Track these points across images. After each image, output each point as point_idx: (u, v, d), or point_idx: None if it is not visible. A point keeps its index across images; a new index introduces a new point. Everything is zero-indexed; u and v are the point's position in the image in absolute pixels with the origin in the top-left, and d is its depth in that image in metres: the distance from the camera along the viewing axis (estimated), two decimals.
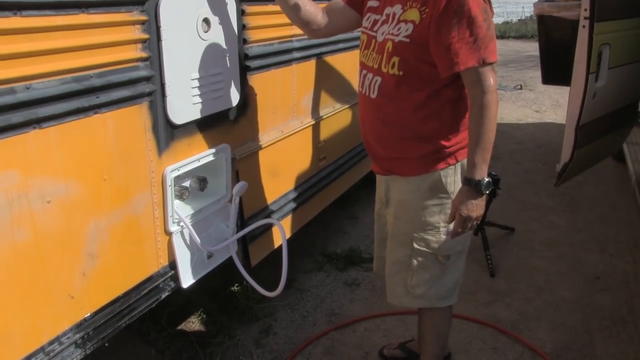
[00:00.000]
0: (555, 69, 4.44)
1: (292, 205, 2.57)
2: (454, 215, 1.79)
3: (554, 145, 5.54)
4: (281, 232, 2.02)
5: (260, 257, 2.36)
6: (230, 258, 2.15)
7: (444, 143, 1.83)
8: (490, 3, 1.73)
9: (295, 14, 1.96)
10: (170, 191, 1.83)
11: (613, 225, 3.82)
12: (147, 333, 2.59)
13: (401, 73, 1.76)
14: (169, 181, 1.81)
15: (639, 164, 3.51)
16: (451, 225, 1.83)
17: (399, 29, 1.75)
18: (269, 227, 2.36)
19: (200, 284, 2.55)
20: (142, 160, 1.72)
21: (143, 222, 1.77)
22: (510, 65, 11.14)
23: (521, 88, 8.71)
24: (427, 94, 1.78)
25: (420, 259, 1.92)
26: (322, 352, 2.54)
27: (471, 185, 1.73)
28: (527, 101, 7.89)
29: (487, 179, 1.73)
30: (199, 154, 1.95)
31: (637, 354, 2.50)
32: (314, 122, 2.69)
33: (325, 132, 2.78)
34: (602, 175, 4.69)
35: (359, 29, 1.96)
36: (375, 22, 1.86)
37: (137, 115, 1.66)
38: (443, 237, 1.90)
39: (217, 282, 2.83)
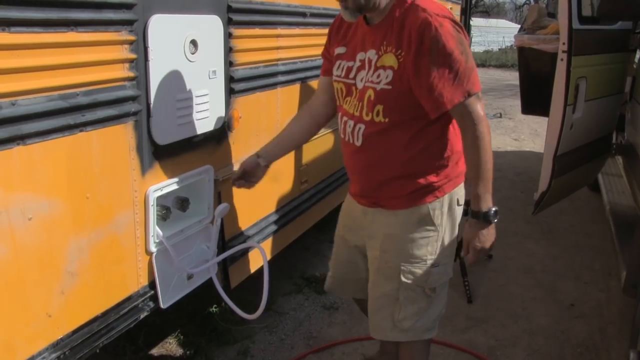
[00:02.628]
0: (534, 100, 4.54)
1: (273, 227, 2.58)
2: (467, 249, 1.79)
3: (532, 173, 5.63)
4: (263, 256, 2.02)
5: (240, 279, 2.36)
6: (210, 279, 2.14)
7: (433, 178, 1.81)
8: (463, 30, 1.69)
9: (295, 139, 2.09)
10: (152, 211, 1.83)
11: (588, 254, 3.88)
12: (122, 353, 2.56)
13: (387, 119, 1.74)
14: (152, 201, 1.81)
15: (613, 194, 3.58)
16: (436, 257, 1.84)
17: (378, 76, 1.72)
18: (249, 249, 2.36)
19: (179, 305, 2.54)
20: (125, 179, 1.72)
21: (124, 242, 1.76)
22: (490, 93, 11.33)
23: (501, 116, 8.86)
24: (415, 134, 1.76)
25: (407, 292, 1.87)
26: None
27: (479, 218, 1.74)
28: (506, 129, 8.03)
29: (494, 209, 1.73)
30: (182, 175, 1.95)
31: None
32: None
33: (308, 156, 2.81)
34: (578, 204, 4.77)
35: (334, 79, 1.89)
36: (349, 69, 1.82)
37: (122, 135, 1.67)
38: (430, 269, 1.86)
39: (196, 303, 2.80)
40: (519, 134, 7.77)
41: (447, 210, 1.85)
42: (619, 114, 3.67)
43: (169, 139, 1.85)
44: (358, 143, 1.80)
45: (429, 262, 1.85)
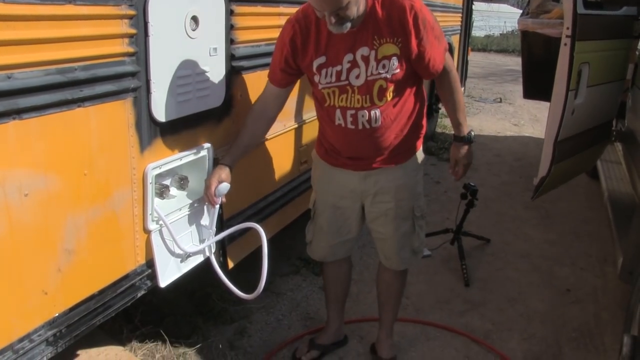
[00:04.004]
0: (536, 85, 4.51)
1: (273, 207, 2.56)
2: (454, 166, 2.26)
3: (531, 158, 5.62)
4: (262, 236, 2.00)
5: (238, 259, 2.35)
6: (208, 259, 2.13)
7: (422, 129, 2.22)
8: None
9: (258, 140, 2.25)
10: (150, 189, 1.81)
11: (585, 240, 3.89)
12: (119, 331, 2.56)
13: (395, 94, 2.01)
14: (150, 179, 1.80)
15: (612, 181, 3.57)
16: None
17: (384, 66, 1.94)
18: (248, 229, 2.34)
19: (176, 284, 2.53)
20: (124, 156, 1.70)
21: (122, 219, 1.74)
22: (491, 78, 11.30)
23: (501, 101, 8.83)
24: (414, 98, 2.10)
25: (419, 222, 2.28)
26: None
27: (464, 140, 2.21)
28: (506, 114, 8.00)
29: (472, 132, 2.23)
30: (181, 153, 1.93)
31: None
32: (296, 125, 2.69)
33: (308, 136, 2.78)
34: (576, 191, 4.77)
35: (322, 87, 2.01)
36: (339, 72, 1.97)
37: (121, 111, 1.64)
38: (424, 199, 2.32)
39: (194, 283, 2.80)
40: (518, 119, 7.74)
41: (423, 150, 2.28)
42: (620, 101, 3.64)
43: (169, 116, 1.82)
44: (376, 124, 2.03)
45: (422, 192, 2.31)
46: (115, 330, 2.57)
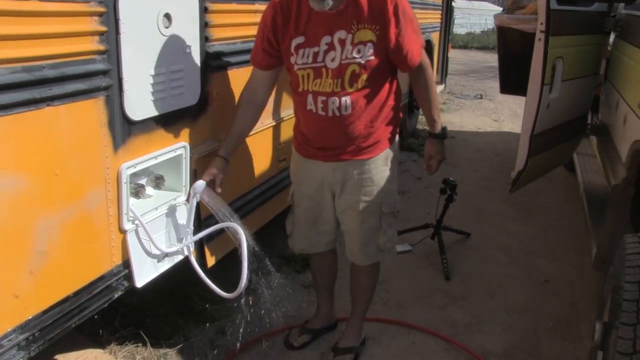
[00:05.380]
0: (512, 79, 4.55)
1: (251, 205, 2.56)
2: (429, 161, 2.31)
3: (510, 153, 5.64)
4: (241, 235, 2.00)
5: (218, 257, 2.35)
6: (186, 258, 2.12)
7: (398, 119, 2.23)
8: None
9: (250, 128, 2.26)
10: (125, 188, 1.80)
11: (563, 232, 3.94)
12: (98, 334, 2.54)
13: (370, 85, 2.03)
14: (125, 178, 1.78)
15: (587, 173, 3.62)
16: (397, 185, 2.32)
17: (359, 51, 1.97)
18: (227, 227, 2.33)
19: (156, 285, 2.52)
20: (97, 156, 1.68)
21: (96, 220, 1.73)
22: (472, 75, 11.39)
23: (481, 97, 8.90)
24: (388, 90, 2.11)
25: (387, 219, 2.26)
26: (278, 353, 2.53)
27: (438, 137, 2.26)
28: (486, 110, 8.06)
29: (446, 128, 2.29)
30: (156, 152, 1.92)
31: (579, 352, 2.60)
32: (274, 123, 2.69)
33: (286, 134, 2.78)
34: (554, 184, 4.83)
35: (297, 67, 2.04)
36: (316, 54, 1.99)
37: (93, 110, 1.63)
38: (397, 196, 2.31)
39: (173, 283, 2.78)
40: (498, 115, 7.81)
41: (398, 146, 2.30)
42: (594, 95, 3.69)
43: (143, 115, 1.81)
44: (347, 112, 2.04)
45: (395, 190, 2.30)
46: (95, 333, 2.54)
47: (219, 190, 2.09)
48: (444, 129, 2.27)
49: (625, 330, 1.68)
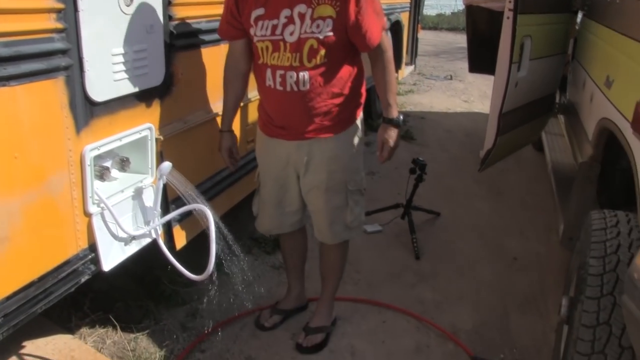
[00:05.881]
0: (481, 58, 4.58)
1: (219, 187, 2.54)
2: (381, 148, 2.21)
3: (480, 134, 5.66)
4: (208, 217, 1.97)
5: (186, 240, 2.32)
6: (154, 240, 2.10)
7: (359, 100, 2.22)
8: None
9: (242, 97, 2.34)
10: (89, 171, 1.76)
11: (531, 210, 4.01)
12: (68, 320, 2.50)
13: (328, 62, 2.01)
14: (88, 160, 1.75)
15: (555, 152, 3.67)
16: (362, 163, 2.31)
17: (317, 26, 1.96)
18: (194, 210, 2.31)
19: (125, 269, 2.48)
20: (59, 138, 1.64)
21: (60, 203, 1.69)
22: (442, 56, 11.43)
23: (451, 78, 8.94)
24: (348, 68, 2.10)
25: (353, 197, 2.27)
26: (248, 334, 2.53)
27: (392, 123, 2.18)
28: (456, 91, 8.11)
29: (401, 116, 2.21)
30: (120, 133, 1.88)
31: (546, 327, 2.66)
32: (242, 104, 2.65)
33: (253, 115, 2.74)
34: (523, 164, 4.90)
35: (257, 39, 2.04)
36: (275, 26, 1.99)
37: (52, 90, 1.59)
38: (363, 173, 2.32)
39: (142, 267, 2.75)
40: (468, 95, 7.86)
41: (363, 123, 2.29)
42: (562, 75, 3.73)
43: (106, 96, 1.77)
44: (305, 87, 2.03)
45: (361, 168, 2.30)
46: (64, 319, 2.51)
47: (238, 157, 2.36)
48: (399, 116, 2.21)
49: (590, 304, 1.72)
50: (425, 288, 2.98)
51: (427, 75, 9.17)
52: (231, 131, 2.32)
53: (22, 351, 2.30)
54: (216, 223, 2.00)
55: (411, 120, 6.18)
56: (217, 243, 1.96)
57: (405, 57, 6.62)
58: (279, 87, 2.05)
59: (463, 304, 2.85)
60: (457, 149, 5.35)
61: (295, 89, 2.03)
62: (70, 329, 2.46)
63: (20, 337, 2.34)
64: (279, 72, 2.02)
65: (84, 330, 2.47)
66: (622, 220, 1.88)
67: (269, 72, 2.05)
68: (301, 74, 2.00)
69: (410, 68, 7.53)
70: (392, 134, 2.20)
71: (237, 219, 3.17)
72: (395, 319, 2.69)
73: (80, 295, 2.62)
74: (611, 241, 1.81)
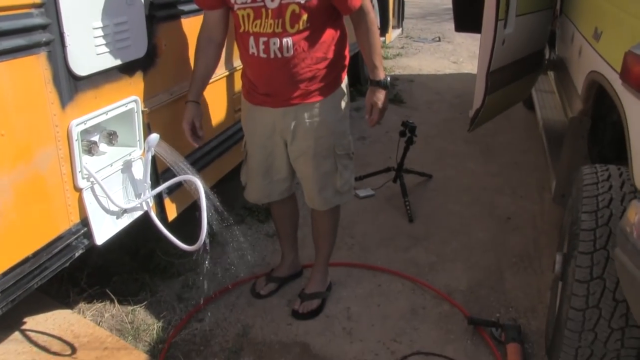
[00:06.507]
0: (466, 17, 4.51)
1: (208, 158, 2.53)
2: (370, 111, 2.22)
3: (470, 95, 5.62)
4: (199, 188, 1.97)
5: (177, 211, 2.33)
6: (146, 213, 2.10)
7: (343, 63, 2.20)
8: None
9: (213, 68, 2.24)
10: (77, 146, 1.75)
11: (523, 169, 4.02)
12: (66, 295, 2.52)
13: (309, 25, 1.99)
14: (75, 135, 1.74)
15: (546, 110, 3.66)
16: (348, 127, 2.30)
17: None
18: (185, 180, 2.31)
19: (120, 243, 2.49)
20: (44, 114, 1.63)
21: (49, 179, 1.69)
22: (429, 18, 11.30)
23: (439, 40, 8.85)
24: (331, 30, 2.08)
25: (342, 161, 2.28)
26: (244, 303, 2.56)
27: (380, 85, 2.18)
28: (445, 53, 8.04)
29: (388, 77, 2.21)
30: (106, 107, 1.87)
31: (541, 284, 2.69)
32: (228, 73, 2.63)
33: (240, 84, 2.73)
34: (515, 123, 4.89)
35: (237, 7, 2.00)
36: None
37: (35, 66, 1.57)
38: (350, 137, 2.31)
39: (137, 240, 2.76)
40: (457, 56, 7.80)
41: (348, 87, 2.27)
42: (551, 30, 3.70)
43: (89, 70, 1.76)
44: (289, 54, 2.01)
45: (348, 132, 2.30)
46: (62, 295, 2.54)
47: (201, 133, 2.21)
48: (386, 77, 2.20)
49: (583, 259, 1.74)
50: (419, 250, 3.01)
51: (415, 37, 9.07)
52: (197, 103, 2.19)
53: (23, 327, 2.32)
54: (207, 193, 2.00)
55: (400, 83, 6.14)
56: (208, 213, 1.96)
57: (392, 20, 6.55)
58: (262, 55, 2.02)
59: (457, 265, 2.88)
60: (447, 111, 5.34)
61: (279, 55, 2.01)
62: (68, 305, 2.49)
63: (20, 314, 2.37)
64: (262, 40, 2.00)
65: (82, 305, 2.50)
66: (614, 174, 1.87)
67: (251, 40, 2.02)
68: (284, 40, 1.98)
69: (398, 31, 7.46)
70: (380, 96, 2.19)
71: (229, 189, 3.18)
72: (390, 282, 2.72)
73: (77, 271, 2.63)
74: (603, 195, 1.81)
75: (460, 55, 7.87)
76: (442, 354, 2.26)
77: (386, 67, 6.84)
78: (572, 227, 1.94)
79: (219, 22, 2.12)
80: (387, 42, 6.77)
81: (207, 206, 1.96)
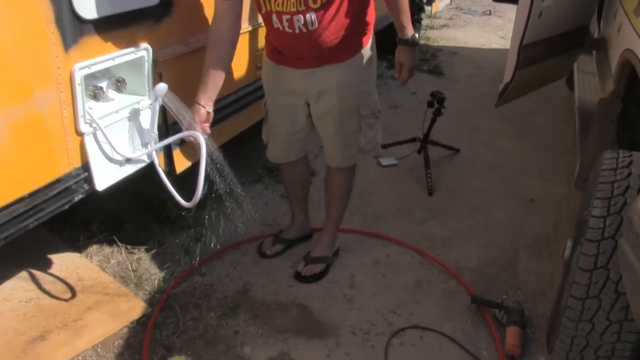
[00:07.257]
0: None
1: (225, 112, 2.50)
2: (399, 70, 2.22)
3: None
4: (201, 145, 1.93)
5: (186, 164, 2.31)
6: (152, 163, 2.09)
7: (368, 26, 2.18)
8: None
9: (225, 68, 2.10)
10: (79, 90, 1.74)
11: (555, 152, 3.86)
12: (76, 239, 2.57)
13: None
14: (78, 79, 1.72)
15: (585, 91, 3.48)
16: (375, 86, 2.30)
17: None
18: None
19: (133, 192, 2.51)
20: (45, 54, 1.61)
21: (49, 121, 1.69)
22: None
23: (490, 14, 8.54)
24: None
25: (367, 120, 2.27)
26: (249, 260, 2.56)
27: (408, 44, 2.16)
28: (494, 27, 7.76)
29: (416, 35, 2.17)
30: (114, 53, 1.84)
31: (554, 270, 2.58)
32: (251, 28, 2.57)
33: (264, 41, 2.67)
34: (554, 104, 4.69)
35: None
36: None
37: (36, 5, 1.55)
38: (376, 96, 2.30)
39: (151, 191, 2.78)
40: (506, 32, 7.50)
41: (374, 47, 2.24)
42: (597, 7, 3.49)
43: (95, 13, 1.72)
44: (313, 27, 1.99)
45: (374, 91, 2.29)
46: (74, 238, 2.58)
47: (208, 133, 2.05)
48: (414, 35, 2.17)
49: (589, 247, 1.66)
50: (434, 224, 2.94)
51: (465, 9, 8.77)
52: (208, 107, 2.04)
53: (31, 266, 2.38)
54: (212, 150, 1.98)
55: (442, 55, 5.97)
56: (208, 170, 1.93)
57: None
58: (287, 30, 2.02)
59: (471, 242, 2.80)
60: (486, 86, 5.15)
61: (305, 30, 2.00)
62: (78, 248, 2.54)
63: (30, 254, 2.43)
64: (285, 17, 1.98)
65: (91, 249, 2.54)
66: (637, 162, 1.76)
67: (275, 17, 2.01)
68: (308, 15, 1.96)
69: (446, 1, 7.22)
70: (409, 55, 2.18)
71: (251, 147, 3.16)
72: (400, 254, 2.68)
73: (90, 216, 2.68)
74: (620, 182, 1.71)
75: (509, 31, 7.53)
76: (439, 330, 2.21)
77: (430, 38, 6.66)
78: (583, 213, 1.85)
79: (228, 15, 2.03)
80: (433, 11, 6.56)
81: (207, 163, 1.93)
